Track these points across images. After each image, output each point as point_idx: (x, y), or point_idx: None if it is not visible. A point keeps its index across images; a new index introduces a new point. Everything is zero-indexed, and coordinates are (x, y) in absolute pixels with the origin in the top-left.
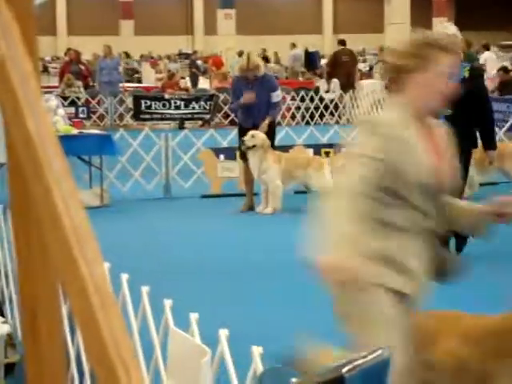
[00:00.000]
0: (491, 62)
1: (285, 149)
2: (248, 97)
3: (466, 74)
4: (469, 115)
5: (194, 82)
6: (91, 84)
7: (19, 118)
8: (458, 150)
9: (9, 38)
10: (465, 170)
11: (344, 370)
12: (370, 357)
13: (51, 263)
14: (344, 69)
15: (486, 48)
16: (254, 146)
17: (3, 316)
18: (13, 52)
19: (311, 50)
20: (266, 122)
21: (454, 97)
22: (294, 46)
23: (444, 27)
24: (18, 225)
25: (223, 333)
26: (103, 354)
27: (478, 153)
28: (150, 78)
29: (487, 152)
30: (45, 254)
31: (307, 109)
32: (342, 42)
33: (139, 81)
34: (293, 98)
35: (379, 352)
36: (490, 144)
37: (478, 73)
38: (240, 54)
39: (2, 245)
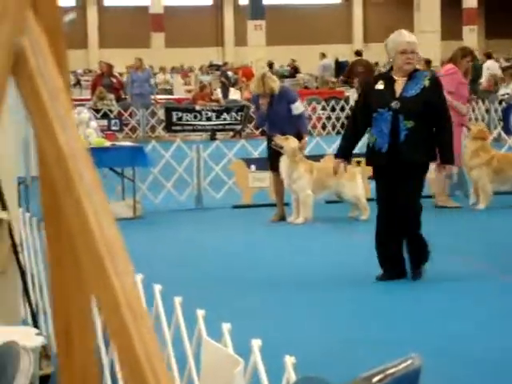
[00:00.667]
0: (494, 70)
1: (316, 158)
2: (263, 101)
3: (426, 84)
4: (429, 126)
5: (225, 94)
6: (123, 96)
7: (50, 132)
8: (414, 165)
9: (38, 53)
10: (419, 184)
11: (375, 379)
12: (402, 366)
13: (83, 275)
14: (360, 78)
15: (488, 57)
16: (281, 148)
17: (38, 328)
18: (42, 67)
19: (341, 59)
20: (306, 139)
21: (414, 107)
22: (323, 55)
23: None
24: (51, 237)
25: (256, 343)
26: (135, 366)
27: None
28: (181, 90)
29: (444, 166)
30: (77, 266)
31: (338, 118)
32: (358, 53)
33: (170, 93)
34: (323, 108)
35: (410, 361)
36: (447, 157)
37: (437, 82)
38: (270, 64)
39: (36, 257)
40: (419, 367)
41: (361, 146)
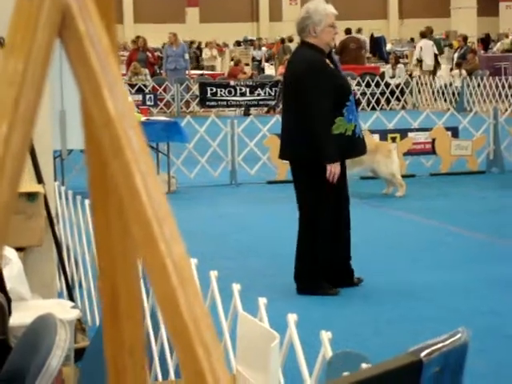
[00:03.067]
0: (427, 49)
1: None
2: None
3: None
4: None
5: (259, 69)
6: (158, 71)
7: (98, 96)
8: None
9: (86, 15)
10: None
11: (422, 354)
12: (449, 341)
13: (130, 241)
14: (351, 55)
15: (423, 35)
16: None
17: (73, 301)
18: (91, 29)
19: (377, 35)
20: None
21: None
22: (359, 31)
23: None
24: (97, 205)
25: (292, 317)
26: (183, 332)
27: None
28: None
29: None
30: (124, 232)
31: (373, 94)
32: (348, 31)
33: (214, 69)
34: (358, 84)
35: (458, 336)
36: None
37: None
38: (283, 49)
39: (71, 231)
40: (467, 341)
41: (395, 123)
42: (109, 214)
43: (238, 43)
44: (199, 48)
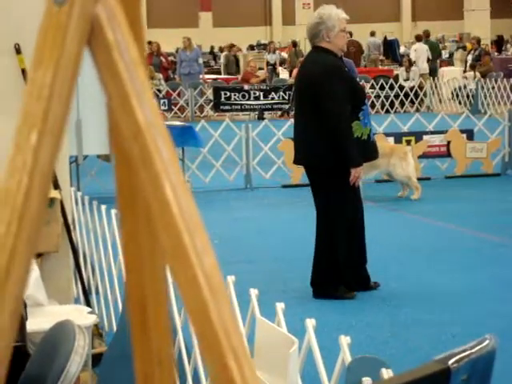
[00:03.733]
0: (422, 53)
1: None
2: None
3: None
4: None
5: (273, 73)
6: (172, 76)
7: (127, 105)
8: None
9: (114, 23)
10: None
11: (450, 362)
12: (477, 348)
13: (159, 252)
14: (351, 58)
15: (418, 39)
16: None
17: (90, 306)
18: (119, 38)
19: (390, 37)
20: None
21: None
22: (372, 34)
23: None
24: (125, 214)
25: (310, 322)
26: (214, 343)
27: None
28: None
29: None
30: (153, 242)
31: (387, 97)
32: (350, 34)
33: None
34: (372, 87)
35: (485, 343)
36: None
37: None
38: (295, 53)
39: (88, 237)
40: (494, 349)
41: (410, 125)
42: (137, 224)
43: (251, 47)
44: (212, 52)
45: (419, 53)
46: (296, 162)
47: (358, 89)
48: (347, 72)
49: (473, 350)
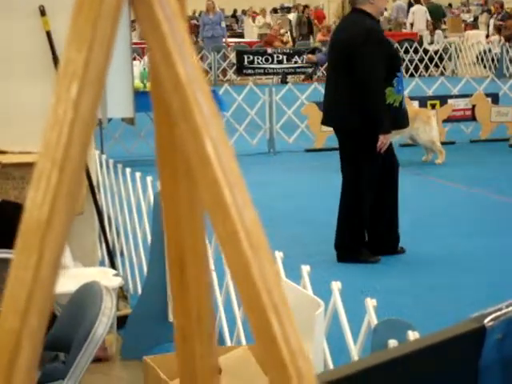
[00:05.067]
0: (420, 15)
1: None
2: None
3: None
4: None
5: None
6: (194, 40)
7: (167, 59)
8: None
9: None
10: None
11: (486, 320)
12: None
13: (200, 208)
14: None
15: (416, 1)
16: None
17: (115, 269)
18: None
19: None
20: None
21: None
22: None
23: None
24: (164, 168)
25: (336, 285)
26: (256, 299)
27: None
28: (251, 33)
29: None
30: (193, 199)
31: (411, 61)
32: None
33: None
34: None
35: None
36: None
37: None
38: (342, 7)
39: (112, 200)
40: None
41: (435, 89)
42: (176, 178)
43: (274, 10)
44: (235, 16)
45: (417, 14)
46: (324, 122)
47: (394, 55)
48: (385, 37)
49: (508, 309)
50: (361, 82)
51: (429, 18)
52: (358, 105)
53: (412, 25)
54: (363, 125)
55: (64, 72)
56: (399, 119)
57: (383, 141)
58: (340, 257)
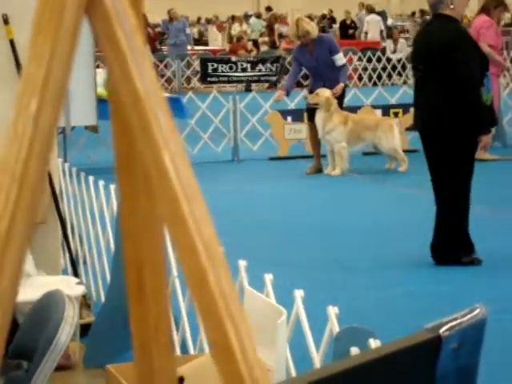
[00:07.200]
0: (373, 24)
1: (353, 110)
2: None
3: None
4: None
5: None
6: (159, 47)
7: (126, 74)
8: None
9: None
10: None
11: (442, 330)
12: (467, 317)
13: (158, 222)
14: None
15: (370, 11)
16: (317, 104)
17: (78, 277)
18: (118, 6)
19: (378, 9)
20: (341, 85)
21: None
22: (362, 6)
23: None
24: (123, 182)
25: (298, 293)
26: (212, 309)
27: None
28: (216, 41)
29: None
30: (151, 210)
31: (374, 69)
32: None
33: (205, 44)
34: (359, 59)
35: (476, 312)
36: None
37: None
38: (308, 16)
39: (75, 207)
40: (485, 318)
41: (398, 98)
42: (135, 191)
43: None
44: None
45: (371, 23)
46: (419, 129)
47: (482, 55)
48: (473, 38)
49: (464, 319)
50: (459, 86)
51: (382, 28)
52: (455, 109)
53: (366, 34)
54: (462, 128)
55: (24, 88)
56: (493, 117)
57: (487, 141)
58: (438, 260)
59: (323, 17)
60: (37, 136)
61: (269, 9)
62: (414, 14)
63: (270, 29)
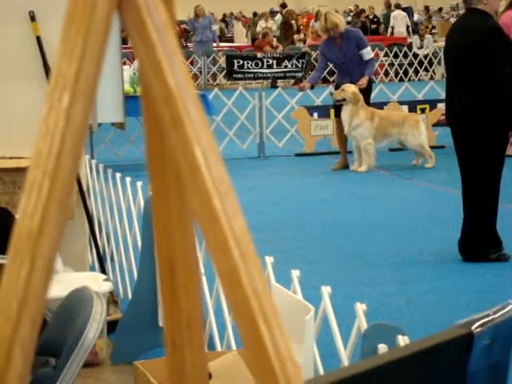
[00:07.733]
0: (399, 19)
1: (380, 106)
2: (304, 85)
3: None
4: None
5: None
6: (184, 44)
7: (157, 69)
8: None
9: None
10: None
11: (473, 326)
12: (500, 313)
13: (190, 216)
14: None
15: (397, 6)
16: (343, 100)
17: (105, 273)
18: (149, 0)
19: (404, 5)
20: (366, 77)
21: None
22: (388, 3)
23: None
24: (155, 178)
25: (325, 290)
26: (245, 306)
27: None
28: (241, 38)
29: None
30: (183, 207)
31: (401, 65)
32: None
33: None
34: (386, 55)
35: (509, 308)
36: None
37: None
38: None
39: (103, 204)
40: None
41: (424, 93)
42: (167, 187)
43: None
44: (224, 20)
45: (398, 19)
46: (450, 123)
47: None
48: (506, 34)
49: (496, 315)
50: (490, 81)
51: (408, 24)
52: (486, 104)
53: (393, 29)
54: (493, 123)
55: (55, 83)
56: None
57: None
58: (467, 257)
59: (350, 12)
60: (69, 131)
61: (283, 5)
62: (440, 9)
63: (287, 25)
